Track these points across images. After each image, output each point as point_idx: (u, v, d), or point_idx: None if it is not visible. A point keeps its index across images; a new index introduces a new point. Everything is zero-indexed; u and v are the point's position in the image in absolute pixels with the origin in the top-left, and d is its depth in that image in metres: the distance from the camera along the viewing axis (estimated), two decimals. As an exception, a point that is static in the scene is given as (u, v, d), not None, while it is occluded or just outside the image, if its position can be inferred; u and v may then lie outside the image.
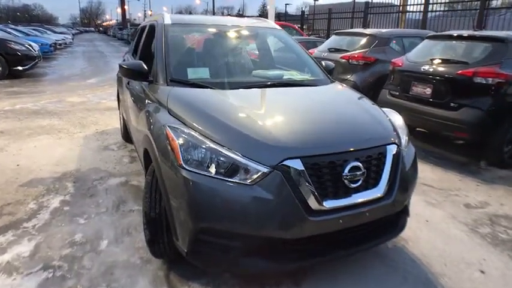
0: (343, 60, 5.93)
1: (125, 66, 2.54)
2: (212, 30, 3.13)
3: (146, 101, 2.51)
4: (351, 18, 13.63)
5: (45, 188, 3.22)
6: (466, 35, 4.50)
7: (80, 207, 2.89)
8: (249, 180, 1.67)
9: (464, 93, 4.00)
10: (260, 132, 1.83)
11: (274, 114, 2.09)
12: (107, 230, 2.56)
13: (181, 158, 1.75)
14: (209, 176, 1.70)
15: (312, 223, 1.69)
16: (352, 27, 13.12)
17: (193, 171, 1.71)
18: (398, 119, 2.39)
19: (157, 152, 1.94)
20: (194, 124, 1.90)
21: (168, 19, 2.97)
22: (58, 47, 19.78)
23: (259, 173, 1.67)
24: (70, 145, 4.42)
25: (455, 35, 4.66)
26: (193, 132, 1.84)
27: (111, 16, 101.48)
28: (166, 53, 2.59)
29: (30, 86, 8.73)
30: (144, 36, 3.49)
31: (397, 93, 4.79)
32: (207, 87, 2.38)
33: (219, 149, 1.74)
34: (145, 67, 2.53)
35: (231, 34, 3.15)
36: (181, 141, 1.81)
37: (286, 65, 3.17)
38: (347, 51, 6.14)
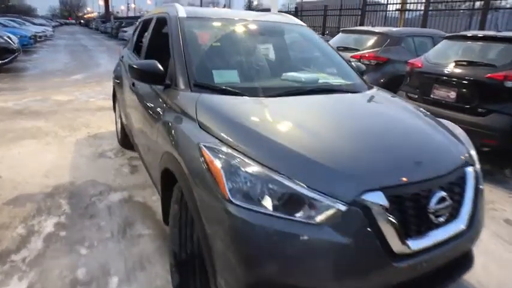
0: (354, 59, 5.60)
1: (135, 67, 2.11)
2: (233, 25, 2.68)
3: (162, 108, 2.10)
4: (340, 15, 13.36)
5: (34, 206, 2.75)
6: (491, 35, 4.23)
7: (79, 231, 2.45)
8: (317, 219, 1.30)
9: (494, 97, 3.74)
10: (327, 156, 1.45)
11: (336, 131, 1.69)
12: (116, 263, 2.14)
13: (227, 189, 1.37)
14: (266, 214, 1.32)
15: (395, 270, 1.34)
16: (340, 25, 12.88)
17: (245, 207, 1.33)
18: (461, 133, 2.06)
19: (190, 178, 1.54)
20: (239, 144, 1.50)
21: (182, 11, 2.54)
22: (38, 39, 18.77)
23: (331, 210, 1.30)
24: (60, 152, 3.93)
25: (478, 35, 4.38)
26: (239, 155, 1.45)
27: (93, 8, 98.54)
28: (185, 52, 2.17)
29: (10, 82, 8.06)
30: (150, 31, 3.03)
31: (416, 96, 4.49)
32: (238, 93, 1.98)
33: (277, 178, 1.35)
34: (161, 68, 2.11)
35: (255, 31, 2.73)
36: (224, 165, 1.42)
37: (316, 66, 2.79)
38: (357, 50, 5.83)
